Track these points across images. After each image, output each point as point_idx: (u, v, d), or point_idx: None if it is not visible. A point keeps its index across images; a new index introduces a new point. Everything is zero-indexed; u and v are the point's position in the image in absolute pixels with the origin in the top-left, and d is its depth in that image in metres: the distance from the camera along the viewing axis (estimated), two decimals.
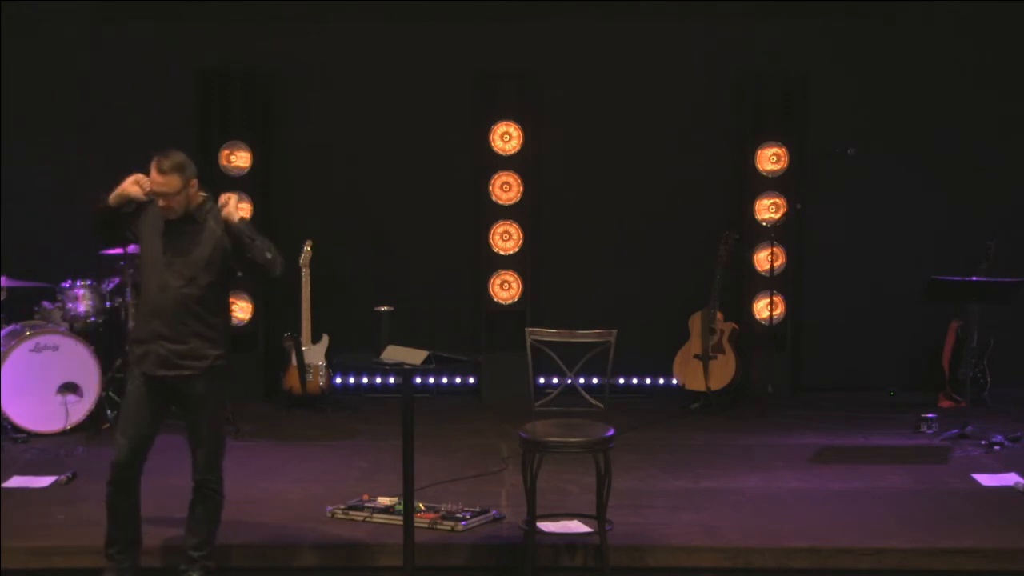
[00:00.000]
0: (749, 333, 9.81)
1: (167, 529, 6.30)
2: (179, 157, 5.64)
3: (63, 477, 7.34)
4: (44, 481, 7.33)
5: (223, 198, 5.70)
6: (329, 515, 6.69)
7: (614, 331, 6.28)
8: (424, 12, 9.72)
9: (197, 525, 5.91)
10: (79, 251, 8.45)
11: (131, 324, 8.47)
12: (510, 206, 9.80)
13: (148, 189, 5.64)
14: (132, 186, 5.67)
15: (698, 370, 9.50)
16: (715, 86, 9.88)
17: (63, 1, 9.60)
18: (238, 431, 8.49)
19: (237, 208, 5.68)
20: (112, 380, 8.72)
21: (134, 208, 5.75)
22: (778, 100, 9.79)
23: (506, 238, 9.82)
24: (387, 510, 6.65)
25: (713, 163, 9.92)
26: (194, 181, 5.69)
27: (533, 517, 6.20)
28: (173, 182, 5.60)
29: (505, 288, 9.85)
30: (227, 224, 5.67)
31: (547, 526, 6.48)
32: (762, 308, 9.73)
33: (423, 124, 9.86)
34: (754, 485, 7.39)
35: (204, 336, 5.71)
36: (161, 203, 5.64)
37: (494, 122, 9.77)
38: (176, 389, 5.76)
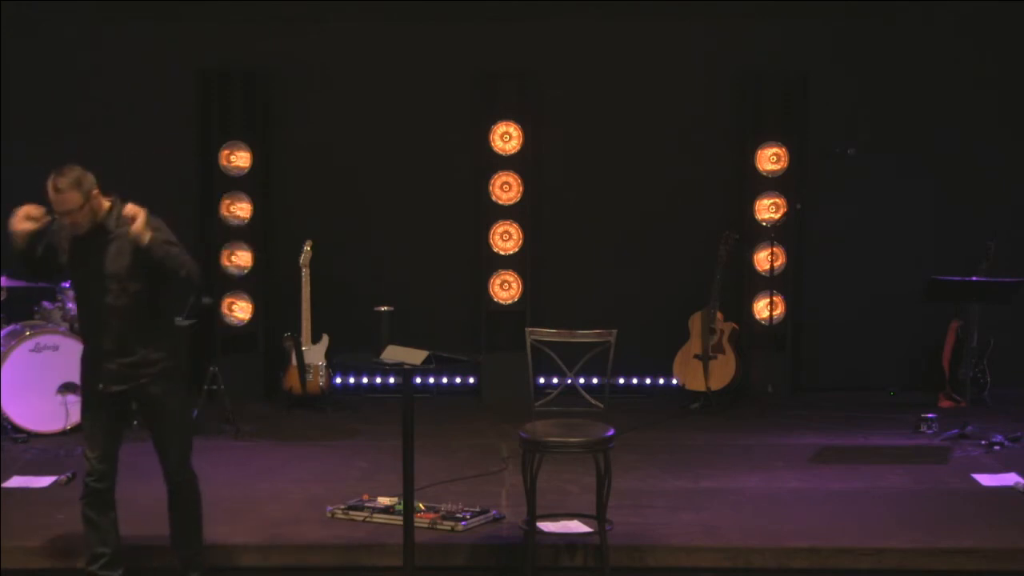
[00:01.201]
0: (749, 333, 9.81)
1: (165, 529, 6.28)
2: (74, 172, 5.54)
3: (63, 477, 7.35)
4: (44, 481, 7.34)
5: (128, 211, 5.49)
6: (329, 515, 6.69)
7: (614, 331, 6.28)
8: (424, 12, 9.73)
9: (182, 526, 5.90)
10: None
11: None
12: (510, 206, 9.80)
13: (43, 215, 5.56)
14: (23, 223, 5.57)
15: (698, 370, 9.50)
16: (715, 86, 9.88)
17: (63, 1, 9.60)
18: (238, 431, 8.50)
19: (145, 226, 5.45)
20: None
21: (40, 238, 5.65)
22: (778, 100, 9.79)
23: (506, 238, 9.82)
24: (387, 510, 6.65)
25: (713, 163, 9.92)
26: (95, 191, 5.58)
27: (533, 517, 6.20)
28: (72, 198, 5.51)
29: (505, 288, 9.85)
30: (141, 246, 5.49)
31: (547, 526, 6.48)
32: (762, 308, 9.73)
33: (423, 124, 9.86)
34: (754, 485, 7.39)
35: (148, 342, 5.63)
36: (67, 220, 5.55)
37: (494, 122, 9.77)
38: (133, 398, 5.72)
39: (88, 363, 5.74)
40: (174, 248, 5.59)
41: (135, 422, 6.33)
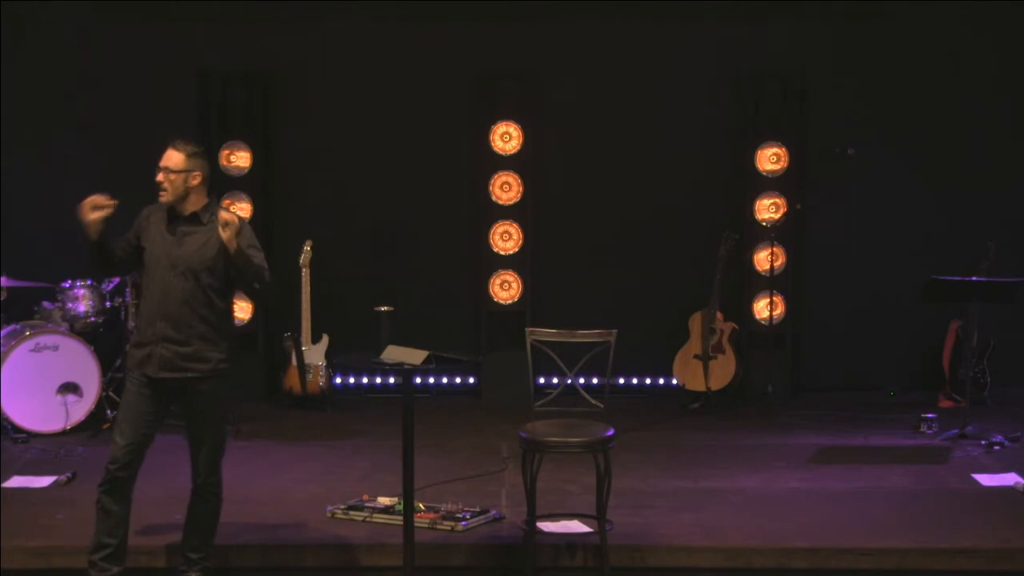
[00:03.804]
0: (749, 333, 9.81)
1: (168, 530, 6.30)
2: (193, 147, 5.73)
3: (63, 477, 7.34)
4: (44, 481, 7.33)
5: (224, 216, 5.57)
6: (329, 515, 6.69)
7: (614, 331, 6.28)
8: (424, 12, 9.73)
9: (196, 527, 5.90)
10: (79, 251, 8.43)
11: (131, 324, 8.47)
12: (510, 206, 9.80)
13: (108, 201, 5.60)
14: (92, 212, 5.61)
15: (698, 370, 9.50)
16: (715, 86, 9.88)
17: (63, 1, 9.60)
18: (238, 431, 8.49)
19: (234, 237, 5.55)
20: (112, 380, 8.73)
21: (111, 229, 5.70)
22: (778, 100, 9.79)
23: (506, 238, 9.82)
24: (387, 510, 6.65)
25: (713, 163, 9.93)
26: (197, 174, 5.70)
27: (533, 517, 6.20)
28: (175, 157, 5.67)
29: (505, 288, 9.85)
30: (227, 250, 5.60)
31: (547, 526, 6.48)
32: (762, 308, 9.73)
33: (423, 124, 9.86)
34: (754, 485, 7.39)
35: (207, 338, 5.68)
36: (158, 177, 5.65)
37: (494, 122, 9.77)
38: (178, 392, 5.74)
39: (140, 347, 5.72)
40: (257, 256, 5.69)
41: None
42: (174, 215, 5.75)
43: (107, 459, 5.72)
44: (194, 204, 5.73)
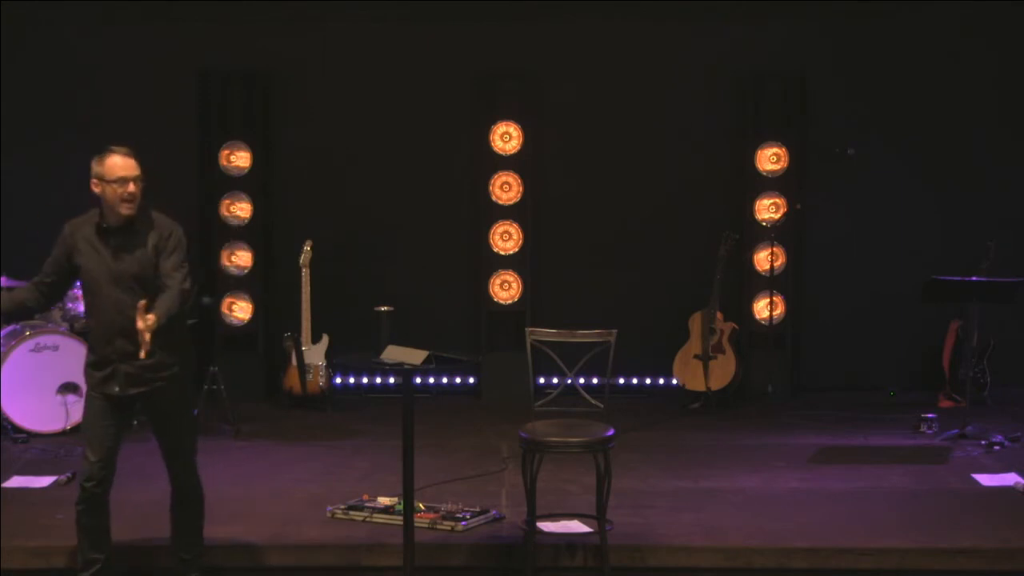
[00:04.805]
0: (749, 333, 9.81)
1: (164, 530, 6.28)
2: (129, 147, 5.60)
3: (63, 477, 7.34)
4: (44, 481, 7.34)
5: (140, 326, 5.31)
6: (329, 515, 6.69)
7: (614, 331, 6.28)
8: (424, 12, 9.73)
9: (184, 528, 5.88)
10: None
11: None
12: (510, 206, 9.80)
13: None
14: None
15: (698, 370, 9.50)
16: (715, 86, 9.89)
17: (63, 1, 9.60)
18: (238, 431, 8.50)
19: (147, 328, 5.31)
20: None
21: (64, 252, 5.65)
22: (778, 100, 9.79)
23: (506, 238, 9.82)
24: (387, 510, 6.65)
25: (713, 163, 9.93)
26: None
27: (533, 517, 6.20)
28: (135, 165, 5.53)
29: (505, 288, 9.85)
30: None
31: (547, 526, 6.48)
32: (762, 308, 9.73)
33: (423, 124, 9.86)
34: (754, 485, 7.39)
35: (164, 345, 5.54)
36: (127, 190, 5.50)
37: (494, 122, 9.77)
38: (143, 402, 5.69)
39: (101, 365, 5.64)
40: (172, 299, 5.49)
41: (135, 422, 6.31)
42: (102, 228, 5.59)
43: (81, 477, 5.69)
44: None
